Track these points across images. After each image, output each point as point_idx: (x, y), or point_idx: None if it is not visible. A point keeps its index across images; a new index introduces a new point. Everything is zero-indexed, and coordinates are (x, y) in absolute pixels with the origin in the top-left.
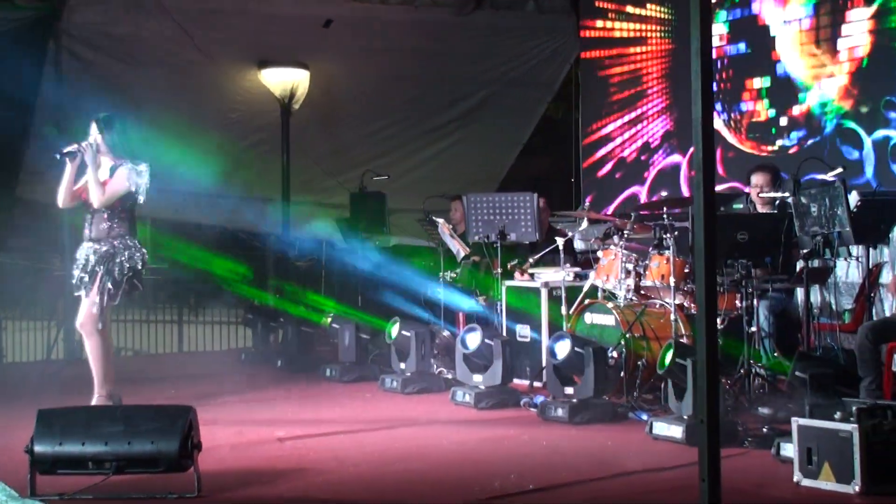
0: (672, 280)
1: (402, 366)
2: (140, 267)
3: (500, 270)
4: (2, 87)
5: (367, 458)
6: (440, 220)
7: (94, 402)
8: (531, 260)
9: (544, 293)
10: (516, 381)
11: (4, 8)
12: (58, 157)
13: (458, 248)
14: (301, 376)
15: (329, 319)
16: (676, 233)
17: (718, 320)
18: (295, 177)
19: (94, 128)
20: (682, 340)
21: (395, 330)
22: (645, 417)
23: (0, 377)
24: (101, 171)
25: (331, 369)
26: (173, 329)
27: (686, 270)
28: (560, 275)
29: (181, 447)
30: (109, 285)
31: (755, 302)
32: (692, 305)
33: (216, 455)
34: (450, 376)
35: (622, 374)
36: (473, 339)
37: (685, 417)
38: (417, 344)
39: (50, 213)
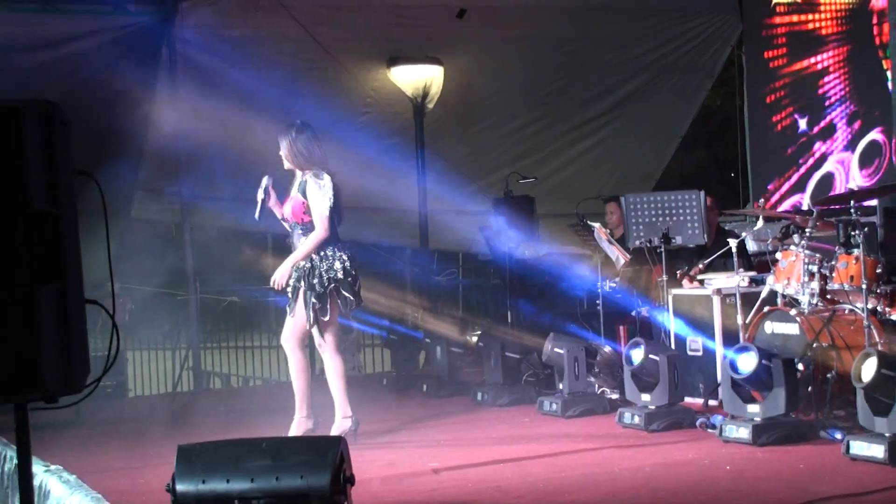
0: (863, 282)
1: (562, 386)
2: (342, 276)
3: (665, 278)
4: (116, 99)
5: (532, 490)
6: (596, 225)
7: (293, 427)
8: (701, 265)
9: (717, 301)
10: (688, 399)
11: (116, 14)
12: (259, 219)
13: (618, 255)
14: (449, 401)
15: (475, 338)
16: (866, 229)
17: None
18: (431, 183)
19: (284, 137)
20: (878, 349)
21: (551, 347)
22: (839, 436)
23: (126, 413)
24: (295, 183)
25: (482, 393)
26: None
27: (878, 271)
28: (734, 280)
29: (333, 481)
30: (314, 300)
31: None
32: (887, 310)
33: (368, 489)
34: (613, 396)
35: (809, 388)
36: (638, 355)
37: (887, 435)
38: (579, 362)
39: (167, 232)
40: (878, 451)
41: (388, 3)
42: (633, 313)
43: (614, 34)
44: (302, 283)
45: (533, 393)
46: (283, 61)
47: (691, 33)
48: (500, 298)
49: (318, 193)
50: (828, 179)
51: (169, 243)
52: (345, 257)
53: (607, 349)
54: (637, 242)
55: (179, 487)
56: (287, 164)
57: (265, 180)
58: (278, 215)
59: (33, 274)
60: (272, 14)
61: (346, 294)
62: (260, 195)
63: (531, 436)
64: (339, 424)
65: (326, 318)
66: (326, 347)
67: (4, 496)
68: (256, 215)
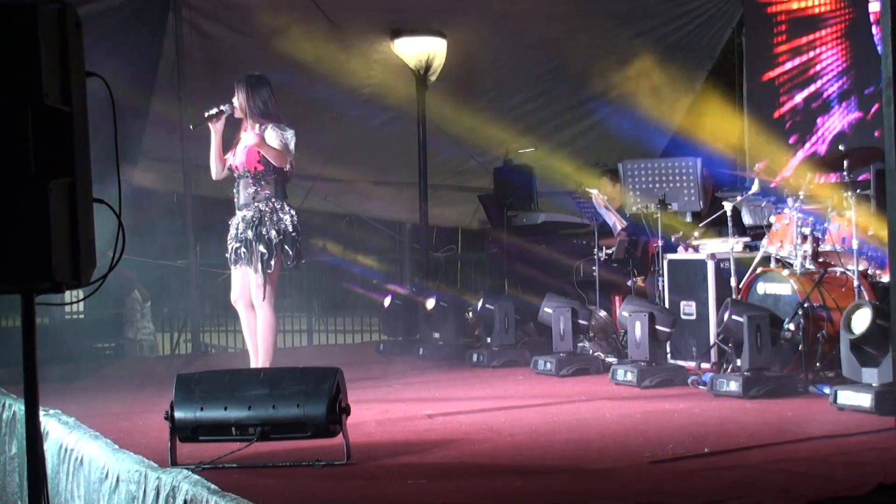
0: (855, 244)
1: (556, 346)
2: (291, 231)
3: (661, 243)
4: (121, 65)
5: (524, 430)
6: (593, 191)
7: None
8: (696, 233)
9: (711, 265)
10: (681, 362)
11: None
12: (192, 128)
13: (615, 221)
14: (445, 363)
15: (481, 302)
16: (859, 191)
17: None
18: (432, 158)
19: (242, 87)
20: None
21: (546, 307)
22: (827, 391)
23: (126, 372)
24: (246, 135)
25: (478, 354)
26: (301, 322)
27: (870, 233)
28: (728, 244)
29: (329, 411)
30: (262, 249)
31: None
32: (877, 272)
33: (363, 430)
34: (609, 360)
35: (800, 347)
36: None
37: (875, 385)
38: (574, 323)
39: (167, 201)
40: (864, 399)
41: None
42: (629, 283)
43: (617, 12)
44: (249, 231)
45: (528, 355)
46: (287, 31)
47: (694, 13)
48: (498, 267)
49: (276, 139)
50: None
51: (170, 213)
52: (293, 213)
53: (602, 314)
54: (634, 208)
55: (178, 414)
56: (239, 114)
57: (226, 107)
58: (217, 168)
59: (44, 168)
60: None
61: (289, 250)
62: (212, 111)
63: (525, 390)
64: None
65: (271, 270)
66: (263, 300)
67: (2, 443)
68: (192, 125)
